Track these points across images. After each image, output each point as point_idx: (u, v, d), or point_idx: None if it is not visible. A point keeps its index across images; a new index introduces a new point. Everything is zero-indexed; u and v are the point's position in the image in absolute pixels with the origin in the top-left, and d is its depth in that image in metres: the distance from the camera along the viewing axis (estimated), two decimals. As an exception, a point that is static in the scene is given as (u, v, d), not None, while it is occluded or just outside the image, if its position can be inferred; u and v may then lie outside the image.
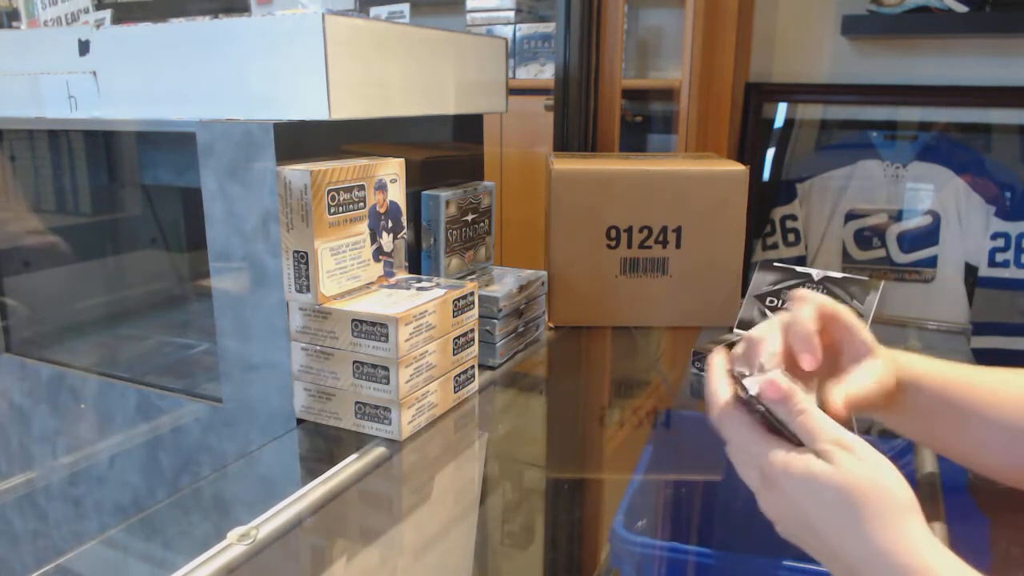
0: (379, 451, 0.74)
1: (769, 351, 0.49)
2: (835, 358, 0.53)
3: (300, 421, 0.80)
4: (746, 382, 0.46)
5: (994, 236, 1.71)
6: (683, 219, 1.07)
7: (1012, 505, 0.68)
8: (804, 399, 0.45)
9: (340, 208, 0.75)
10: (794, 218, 1.87)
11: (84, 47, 0.86)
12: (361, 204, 0.78)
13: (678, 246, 1.08)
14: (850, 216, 1.83)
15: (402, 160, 0.84)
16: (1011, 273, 1.70)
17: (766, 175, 1.91)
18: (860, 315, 0.90)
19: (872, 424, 0.83)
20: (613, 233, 1.08)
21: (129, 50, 0.83)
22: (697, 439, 0.88)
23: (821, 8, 1.84)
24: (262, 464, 0.79)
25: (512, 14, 1.94)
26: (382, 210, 0.81)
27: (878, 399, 0.52)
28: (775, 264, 1.00)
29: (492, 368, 0.94)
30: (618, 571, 0.64)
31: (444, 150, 1.02)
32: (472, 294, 0.84)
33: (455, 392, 0.83)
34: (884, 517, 0.41)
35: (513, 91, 1.15)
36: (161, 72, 0.82)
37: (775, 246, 1.88)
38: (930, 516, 0.61)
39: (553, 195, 1.07)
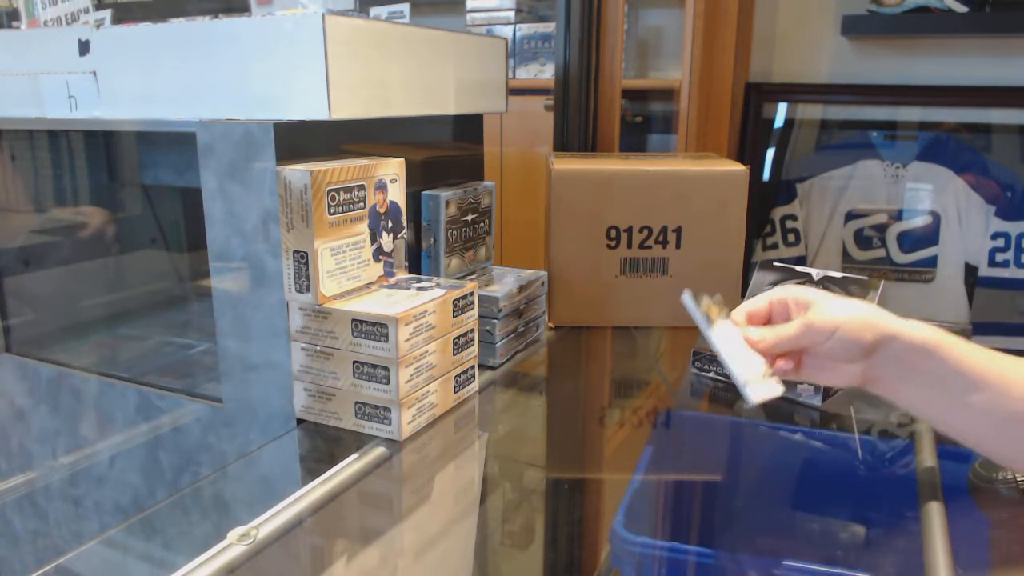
0: (379, 451, 0.74)
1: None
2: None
3: (300, 421, 0.80)
4: None
5: (994, 236, 1.71)
6: (683, 219, 1.07)
7: (1012, 505, 0.68)
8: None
9: (340, 208, 0.75)
10: (794, 218, 1.87)
11: (84, 47, 0.86)
12: (361, 204, 0.78)
13: (678, 246, 1.08)
14: (850, 216, 1.83)
15: (402, 160, 0.84)
16: (1011, 273, 1.70)
17: (766, 175, 1.91)
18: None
19: (872, 425, 0.83)
20: (613, 233, 1.08)
21: (129, 50, 0.83)
22: (697, 439, 0.88)
23: (821, 8, 1.84)
24: (262, 464, 0.79)
25: (512, 14, 1.94)
26: (382, 210, 0.81)
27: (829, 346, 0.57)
28: (775, 264, 1.00)
29: (492, 368, 0.94)
30: (618, 571, 0.64)
31: (444, 150, 1.02)
32: (472, 294, 0.84)
33: (455, 392, 0.83)
34: None
35: (513, 91, 1.15)
36: (161, 72, 0.82)
37: (775, 246, 1.88)
38: (930, 515, 0.61)
39: (553, 195, 1.07)
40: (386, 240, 0.83)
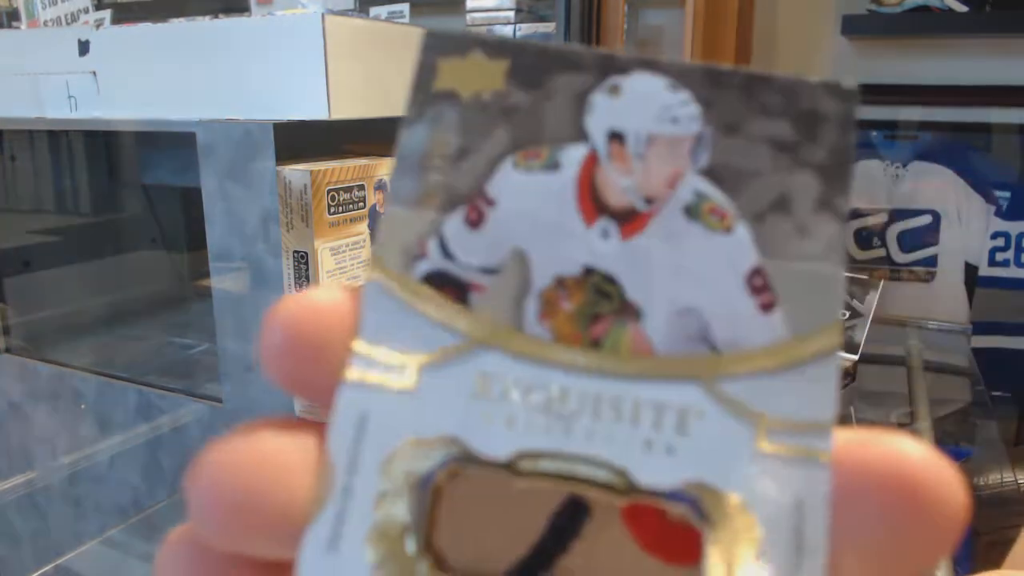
0: (379, 451, 0.74)
1: None
2: None
3: (300, 421, 0.79)
4: None
5: (994, 236, 1.72)
6: (683, 219, 1.07)
7: (996, 512, 0.68)
8: None
9: (340, 208, 0.75)
10: (794, 218, 1.87)
11: (84, 47, 0.86)
12: (361, 204, 0.78)
13: (678, 246, 1.08)
14: (850, 216, 1.83)
15: (402, 160, 0.83)
16: (1011, 273, 1.71)
17: (766, 175, 1.91)
18: (860, 315, 0.90)
19: (871, 424, 0.83)
20: (613, 233, 1.07)
21: (129, 50, 0.83)
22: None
23: (821, 8, 1.84)
24: (262, 464, 0.79)
25: (512, 14, 1.94)
26: (382, 210, 0.81)
27: None
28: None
29: (492, 368, 0.94)
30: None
31: (444, 150, 1.02)
32: (472, 294, 0.84)
33: (455, 392, 0.83)
34: None
35: (513, 91, 1.14)
36: (161, 72, 0.82)
37: (775, 246, 1.88)
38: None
39: (553, 195, 1.07)
40: (386, 240, 0.83)
